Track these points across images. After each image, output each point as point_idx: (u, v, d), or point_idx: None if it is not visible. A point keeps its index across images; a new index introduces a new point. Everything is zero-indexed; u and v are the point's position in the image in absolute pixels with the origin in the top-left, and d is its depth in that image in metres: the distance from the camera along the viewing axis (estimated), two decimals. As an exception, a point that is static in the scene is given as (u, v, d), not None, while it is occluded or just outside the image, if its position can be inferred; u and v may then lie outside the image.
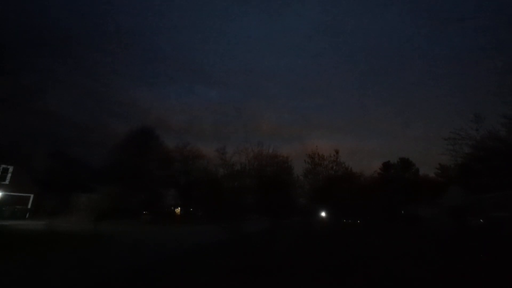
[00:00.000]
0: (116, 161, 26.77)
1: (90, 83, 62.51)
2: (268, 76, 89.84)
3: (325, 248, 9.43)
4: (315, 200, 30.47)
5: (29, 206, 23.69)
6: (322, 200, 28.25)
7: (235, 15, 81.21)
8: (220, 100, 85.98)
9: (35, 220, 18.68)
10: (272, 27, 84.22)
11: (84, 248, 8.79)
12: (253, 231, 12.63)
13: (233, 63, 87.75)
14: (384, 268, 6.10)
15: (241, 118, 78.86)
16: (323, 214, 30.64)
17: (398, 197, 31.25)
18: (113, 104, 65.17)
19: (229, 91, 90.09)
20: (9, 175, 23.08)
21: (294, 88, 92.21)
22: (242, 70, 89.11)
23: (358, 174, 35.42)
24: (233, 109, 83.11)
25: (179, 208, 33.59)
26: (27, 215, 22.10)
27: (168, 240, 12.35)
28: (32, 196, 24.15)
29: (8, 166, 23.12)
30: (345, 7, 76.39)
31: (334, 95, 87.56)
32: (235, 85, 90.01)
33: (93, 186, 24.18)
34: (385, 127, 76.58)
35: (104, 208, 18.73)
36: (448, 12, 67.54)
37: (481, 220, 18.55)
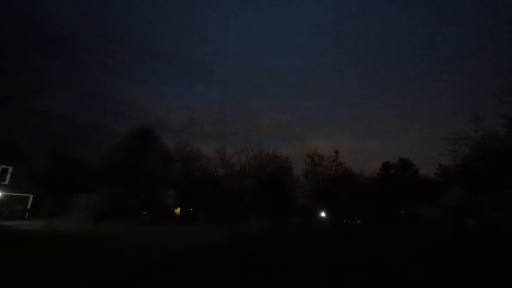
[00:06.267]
0: (115, 161, 26.75)
1: (90, 83, 62.51)
2: (268, 76, 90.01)
3: (324, 248, 9.42)
4: (315, 200, 30.51)
5: (29, 206, 23.65)
6: (322, 200, 28.28)
7: (236, 15, 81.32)
8: (220, 100, 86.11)
9: (35, 220, 18.64)
10: (273, 26, 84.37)
11: (82, 249, 8.78)
12: (253, 232, 12.62)
13: (233, 62, 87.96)
14: (383, 268, 6.10)
15: (241, 117, 78.95)
16: (323, 214, 30.67)
17: (397, 197, 31.30)
18: (113, 104, 65.16)
19: (229, 90, 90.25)
20: (8, 175, 23.05)
21: (294, 88, 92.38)
22: (242, 69, 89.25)
23: (357, 174, 35.52)
24: (233, 108, 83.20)
25: (179, 208, 33.57)
26: (27, 215, 22.06)
27: (168, 240, 12.33)
28: (31, 196, 24.11)
29: (8, 166, 23.09)
30: (345, 7, 76.54)
31: (334, 95, 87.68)
32: (235, 85, 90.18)
33: (92, 187, 24.20)
34: (385, 127, 76.65)
35: (103, 209, 18.74)
36: (448, 13, 67.65)
37: (481, 220, 18.55)
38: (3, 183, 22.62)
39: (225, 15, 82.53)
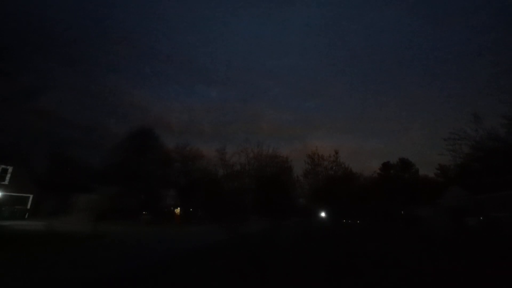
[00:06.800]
0: (115, 161, 26.74)
1: (90, 83, 62.54)
2: (268, 76, 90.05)
3: (325, 248, 9.42)
4: (315, 200, 30.50)
5: (29, 206, 23.64)
6: (321, 200, 28.27)
7: (236, 15, 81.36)
8: (220, 100, 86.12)
9: (35, 220, 18.64)
10: (273, 26, 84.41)
11: (81, 249, 8.77)
12: (253, 232, 12.63)
13: (233, 62, 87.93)
14: (383, 268, 6.10)
15: (241, 117, 79.03)
16: (323, 214, 30.66)
17: (397, 197, 31.27)
18: (113, 104, 65.23)
19: (229, 91, 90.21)
20: (8, 175, 23.03)
21: (294, 88, 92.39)
22: (242, 69, 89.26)
23: (357, 174, 35.52)
24: (233, 108, 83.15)
25: (178, 208, 33.56)
26: (27, 215, 22.05)
27: (168, 240, 12.33)
28: (31, 196, 24.10)
29: (8, 167, 23.07)
30: (345, 7, 76.58)
31: (334, 95, 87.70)
32: (235, 85, 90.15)
33: (92, 187, 24.19)
34: (385, 127, 76.65)
35: (103, 209, 18.73)
36: (448, 12, 67.69)
37: (481, 218, 18.55)
38: (3, 183, 22.60)
39: (225, 15, 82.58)
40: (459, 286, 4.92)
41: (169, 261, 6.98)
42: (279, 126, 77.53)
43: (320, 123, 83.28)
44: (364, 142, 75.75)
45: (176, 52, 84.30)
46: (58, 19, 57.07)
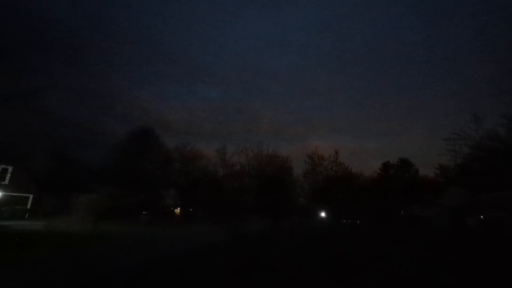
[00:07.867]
0: (115, 161, 26.74)
1: (90, 83, 62.52)
2: (268, 76, 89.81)
3: (324, 249, 9.42)
4: (315, 200, 30.55)
5: (29, 206, 23.63)
6: (322, 200, 28.32)
7: (236, 14, 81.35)
8: (220, 100, 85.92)
9: (35, 220, 18.64)
10: (273, 26, 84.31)
11: (81, 249, 8.77)
12: (252, 232, 12.62)
13: (233, 62, 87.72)
14: (383, 268, 6.10)
15: (241, 117, 79.01)
16: (322, 214, 30.66)
17: (397, 197, 31.29)
18: (113, 104, 65.16)
19: (229, 90, 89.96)
20: (8, 175, 23.03)
21: (294, 88, 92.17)
22: (242, 69, 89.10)
23: (357, 174, 35.61)
24: (233, 108, 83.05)
25: (178, 208, 33.56)
26: (27, 215, 22.04)
27: (167, 240, 12.33)
28: (31, 196, 24.09)
29: (8, 166, 23.07)
30: (346, 7, 76.52)
31: (334, 95, 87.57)
32: (236, 85, 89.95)
33: (92, 187, 24.18)
34: (385, 127, 76.51)
35: (103, 209, 18.72)
36: (449, 12, 67.72)
37: (481, 220, 18.53)
38: (3, 183, 22.59)
39: (225, 14, 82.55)
40: (460, 285, 4.92)
41: (169, 262, 6.98)
42: (279, 126, 77.36)
43: (320, 123, 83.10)
44: (364, 142, 75.59)
45: (176, 52, 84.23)
46: (59, 19, 57.07)
